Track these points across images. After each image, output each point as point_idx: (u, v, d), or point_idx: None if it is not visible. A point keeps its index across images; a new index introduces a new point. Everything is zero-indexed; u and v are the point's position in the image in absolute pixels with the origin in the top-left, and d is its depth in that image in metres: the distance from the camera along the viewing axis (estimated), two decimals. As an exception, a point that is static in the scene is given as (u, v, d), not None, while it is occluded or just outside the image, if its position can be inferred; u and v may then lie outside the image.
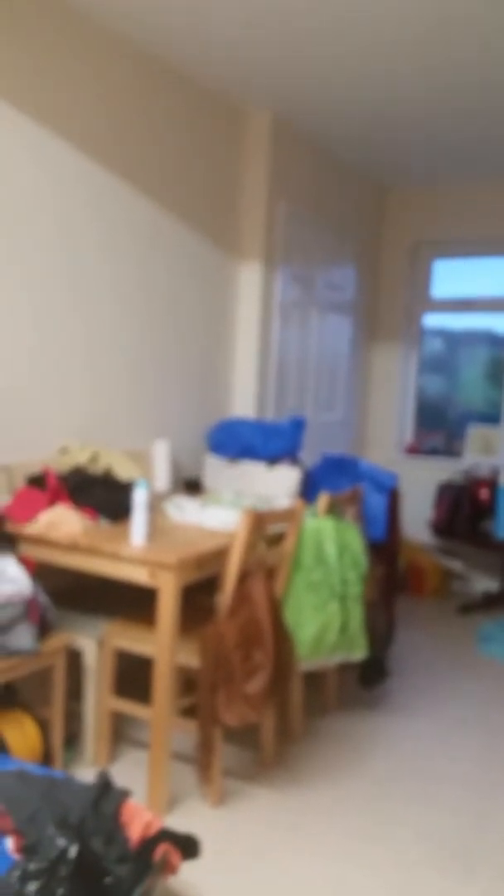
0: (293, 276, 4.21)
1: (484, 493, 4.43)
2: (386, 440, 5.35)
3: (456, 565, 4.91)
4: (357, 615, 2.78)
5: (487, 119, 3.83)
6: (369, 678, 3.16)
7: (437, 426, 5.42)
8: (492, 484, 4.41)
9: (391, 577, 3.50)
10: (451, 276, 5.31)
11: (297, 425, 3.46)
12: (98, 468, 2.81)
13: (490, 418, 5.15)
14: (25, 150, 2.72)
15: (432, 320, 5.40)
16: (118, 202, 3.17)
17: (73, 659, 2.58)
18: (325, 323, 4.57)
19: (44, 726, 2.34)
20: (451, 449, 5.20)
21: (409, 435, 5.41)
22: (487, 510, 4.38)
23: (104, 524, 2.61)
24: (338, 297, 4.70)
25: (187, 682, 2.80)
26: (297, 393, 4.40)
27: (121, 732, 2.80)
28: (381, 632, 3.18)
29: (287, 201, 4.07)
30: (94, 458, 2.82)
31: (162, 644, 2.30)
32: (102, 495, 2.65)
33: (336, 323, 4.71)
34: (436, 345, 5.53)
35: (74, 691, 2.66)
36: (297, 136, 4.13)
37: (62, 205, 2.90)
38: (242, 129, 3.90)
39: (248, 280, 3.98)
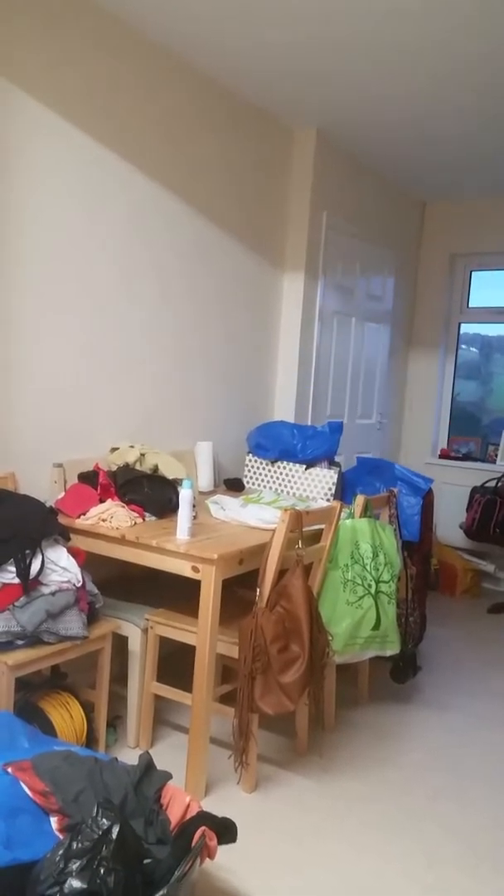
0: (334, 286, 4.16)
1: (516, 498, 4.31)
2: (421, 445, 5.25)
3: (488, 566, 4.80)
4: (390, 612, 2.72)
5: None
6: (401, 672, 3.10)
7: (471, 432, 5.31)
8: (524, 488, 4.30)
9: (423, 576, 3.43)
10: (489, 286, 5.19)
11: (335, 429, 3.40)
12: (145, 467, 2.80)
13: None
14: (84, 168, 2.73)
15: (467, 327, 5.29)
16: (170, 215, 3.16)
17: (119, 645, 2.58)
18: (363, 331, 4.51)
19: (89, 709, 2.35)
20: (484, 454, 5.08)
21: (443, 440, 5.30)
22: (520, 514, 4.26)
23: (150, 519, 2.60)
24: (376, 306, 4.63)
25: (226, 670, 2.78)
26: (336, 398, 4.35)
27: (160, 716, 2.79)
28: (413, 628, 3.12)
29: (329, 214, 4.03)
30: (141, 458, 2.81)
31: (203, 634, 2.28)
32: (149, 492, 2.64)
33: (374, 331, 4.64)
34: (470, 351, 5.41)
35: (119, 676, 2.66)
36: (340, 152, 4.08)
37: (116, 218, 2.90)
38: (288, 146, 3.87)
39: (291, 289, 3.94)
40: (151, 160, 3.03)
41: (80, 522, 2.50)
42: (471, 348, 5.40)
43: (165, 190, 3.12)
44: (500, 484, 4.44)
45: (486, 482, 4.53)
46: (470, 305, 5.21)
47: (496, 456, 4.92)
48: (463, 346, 5.33)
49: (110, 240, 2.89)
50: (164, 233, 3.15)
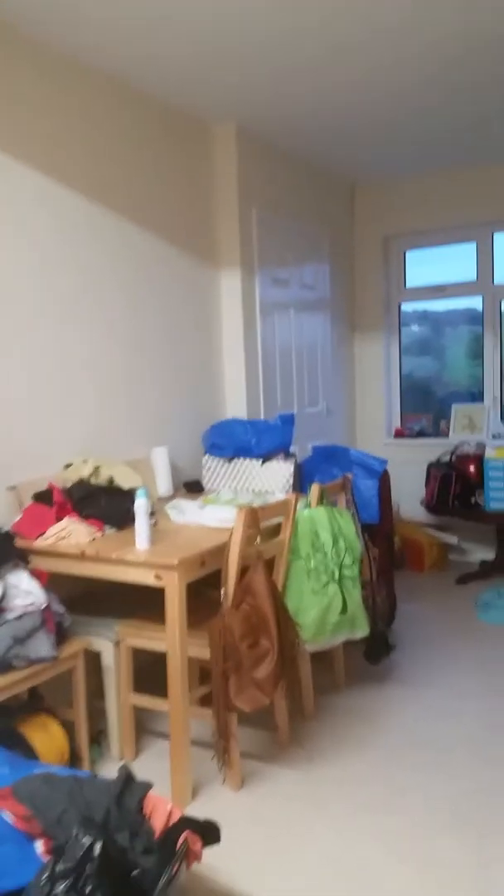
0: (271, 279, 4.19)
1: (472, 469, 4.40)
2: (375, 427, 5.33)
3: (451, 539, 4.90)
4: (355, 596, 2.77)
5: (449, 115, 3.80)
6: (374, 653, 3.15)
7: (424, 408, 5.40)
8: (479, 459, 4.39)
9: (387, 556, 3.49)
10: (424, 263, 5.28)
11: (287, 421, 3.44)
12: (101, 480, 2.80)
13: (476, 396, 5.13)
14: (11, 187, 2.70)
15: (414, 305, 5.37)
16: (98, 226, 3.15)
17: (94, 660, 2.58)
18: (303, 320, 4.55)
19: (70, 727, 2.34)
20: (437, 429, 5.18)
21: (397, 420, 5.38)
22: (476, 484, 4.36)
23: (110, 532, 2.61)
24: (313, 294, 4.67)
25: (203, 672, 2.80)
26: (285, 389, 4.38)
27: (144, 726, 2.80)
28: (381, 608, 3.16)
29: (258, 207, 4.05)
30: (96, 471, 2.81)
31: (172, 640, 2.30)
32: (106, 505, 2.64)
33: (314, 319, 4.68)
34: (418, 329, 5.50)
35: (98, 691, 2.66)
36: (263, 144, 4.10)
37: (43, 234, 2.88)
38: (209, 143, 3.88)
39: (229, 287, 3.95)
40: (72, 172, 3.01)
41: (39, 543, 2.49)
42: (413, 326, 5.49)
43: (90, 201, 3.10)
44: (453, 457, 4.53)
45: (441, 456, 4.62)
46: (407, 285, 5.29)
47: (448, 430, 5.02)
48: (412, 325, 5.42)
49: (38, 256, 2.86)
50: (93, 244, 3.13)
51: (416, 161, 4.63)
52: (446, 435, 5.02)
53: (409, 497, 4.86)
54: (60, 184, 2.94)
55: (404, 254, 5.26)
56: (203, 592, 2.72)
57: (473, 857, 2.06)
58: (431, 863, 2.04)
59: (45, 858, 1.53)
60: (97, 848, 1.42)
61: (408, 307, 5.38)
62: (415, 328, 5.50)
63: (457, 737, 2.71)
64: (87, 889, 1.38)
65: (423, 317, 5.46)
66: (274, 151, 4.20)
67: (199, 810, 2.17)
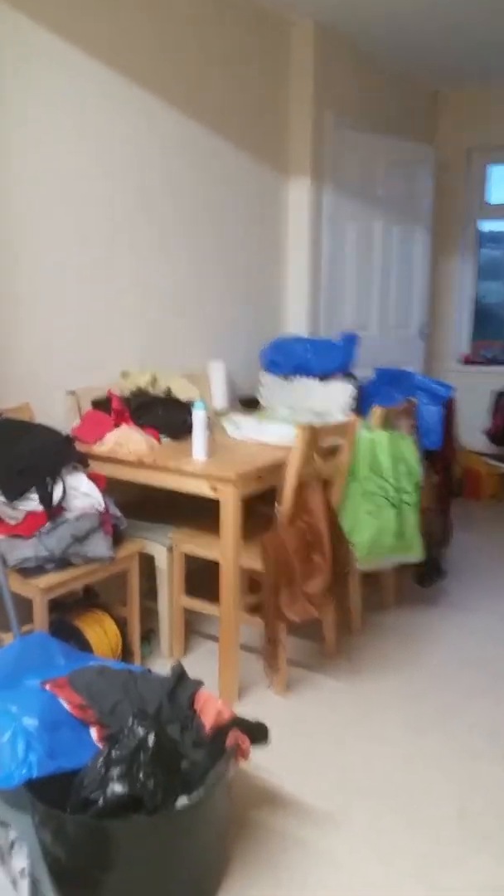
0: (342, 190, 3.96)
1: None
2: (444, 351, 5.12)
3: (511, 469, 4.76)
4: (412, 521, 2.72)
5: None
6: (426, 577, 3.14)
7: (496, 335, 5.15)
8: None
9: (447, 483, 3.41)
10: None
11: (350, 340, 3.32)
12: (158, 390, 2.78)
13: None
14: (75, 84, 2.58)
15: (490, 225, 5.05)
16: (165, 128, 3.01)
17: (147, 563, 2.64)
18: (374, 236, 4.31)
19: (123, 624, 2.42)
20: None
21: (465, 345, 5.17)
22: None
23: (166, 441, 2.60)
24: (386, 209, 4.41)
25: (252, 580, 2.83)
26: (351, 308, 4.22)
27: (194, 627, 2.88)
28: (436, 535, 3.12)
29: (334, 112, 3.80)
30: (153, 381, 2.78)
31: (226, 550, 2.32)
32: (163, 415, 2.63)
33: (386, 236, 4.44)
34: (494, 250, 5.18)
35: (150, 592, 2.73)
36: (342, 44, 3.80)
37: (107, 135, 2.76)
38: (285, 41, 3.62)
39: (297, 196, 3.77)
40: (144, 72, 2.85)
41: (98, 449, 2.50)
42: (487, 248, 5.17)
43: (160, 101, 2.95)
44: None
45: (509, 385, 4.44)
46: (488, 202, 4.95)
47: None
48: (487, 245, 5.11)
49: (106, 159, 2.76)
50: (156, 146, 3.00)
51: (503, 70, 4.23)
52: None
53: (471, 426, 4.71)
54: (125, 78, 2.79)
55: (486, 168, 4.91)
56: (254, 507, 2.72)
57: (512, 779, 2.07)
58: (472, 781, 2.06)
59: (99, 745, 1.59)
60: (151, 738, 1.47)
61: (483, 227, 5.05)
62: (491, 249, 5.18)
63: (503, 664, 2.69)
64: (140, 775, 1.43)
65: (498, 238, 5.13)
66: (353, 53, 3.89)
67: (243, 711, 2.22)
